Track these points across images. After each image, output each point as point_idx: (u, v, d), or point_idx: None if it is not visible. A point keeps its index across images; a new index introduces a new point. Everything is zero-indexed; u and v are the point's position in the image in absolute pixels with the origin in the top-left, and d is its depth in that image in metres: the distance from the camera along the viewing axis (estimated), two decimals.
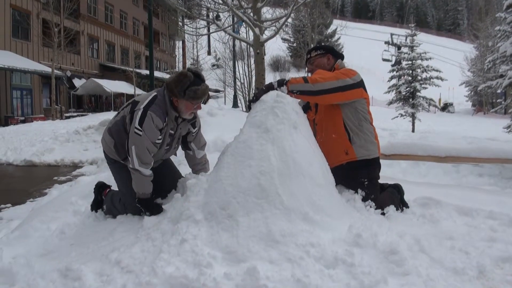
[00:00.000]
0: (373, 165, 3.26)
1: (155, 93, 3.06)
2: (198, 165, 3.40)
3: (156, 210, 2.97)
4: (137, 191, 3.03)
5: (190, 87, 2.91)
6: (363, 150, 3.19)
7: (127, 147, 2.98)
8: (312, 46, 20.17)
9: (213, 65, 41.66)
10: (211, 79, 34.43)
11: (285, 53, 53.32)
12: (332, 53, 3.42)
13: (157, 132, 2.94)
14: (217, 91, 39.77)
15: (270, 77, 47.83)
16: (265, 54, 13.99)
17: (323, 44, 4.07)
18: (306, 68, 3.56)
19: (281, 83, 3.03)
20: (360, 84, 3.18)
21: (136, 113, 2.94)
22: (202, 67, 39.47)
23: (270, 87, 3.04)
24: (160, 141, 3.01)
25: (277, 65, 54.96)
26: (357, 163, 3.19)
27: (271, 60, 52.95)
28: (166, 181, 3.30)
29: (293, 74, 43.34)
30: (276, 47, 36.35)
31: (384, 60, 55.73)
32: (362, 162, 3.19)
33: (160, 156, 3.22)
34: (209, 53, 50.58)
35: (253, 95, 3.12)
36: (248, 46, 19.67)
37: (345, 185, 3.19)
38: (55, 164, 9.86)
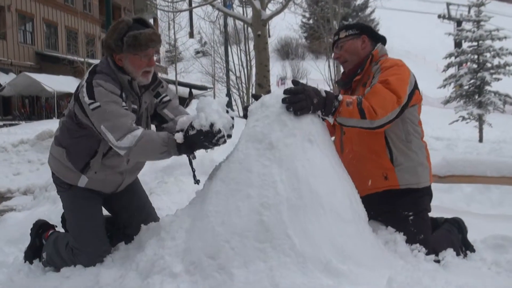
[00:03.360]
0: (421, 192, 3.28)
1: (94, 64, 3.19)
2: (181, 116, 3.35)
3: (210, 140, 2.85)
4: (164, 151, 2.92)
5: (128, 32, 3.00)
6: (409, 176, 3.22)
7: (97, 130, 2.98)
8: (335, 23, 20.29)
9: (197, 52, 41.91)
10: (195, 72, 34.65)
11: (298, 33, 53.62)
12: (368, 34, 3.46)
13: (116, 96, 2.99)
14: (203, 88, 39.91)
15: (277, 67, 47.84)
16: (269, 36, 14.09)
17: (355, 22, 4.09)
18: (333, 54, 3.59)
19: (329, 110, 2.92)
20: (415, 86, 3.24)
21: (80, 93, 3.02)
22: (182, 54, 39.64)
23: (319, 104, 2.87)
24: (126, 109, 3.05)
25: (286, 51, 55.15)
26: (399, 192, 3.23)
27: (278, 44, 53.19)
28: (134, 214, 3.36)
29: (309, 62, 43.34)
30: (285, 26, 36.59)
31: None
32: (406, 191, 3.23)
33: None
34: (191, 35, 50.95)
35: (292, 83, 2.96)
36: (245, 25, 19.80)
37: (382, 220, 3.23)
38: None
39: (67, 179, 3.30)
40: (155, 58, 3.30)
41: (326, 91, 2.92)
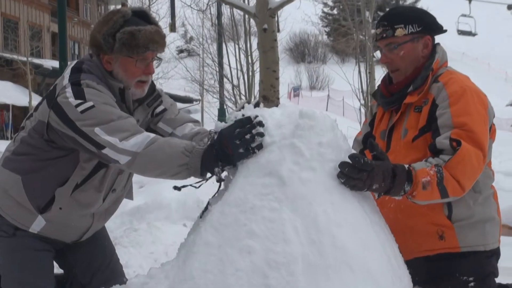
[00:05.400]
0: (487, 253, 3.26)
1: (77, 61, 3.21)
2: (198, 135, 3.32)
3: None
4: (183, 163, 2.83)
5: (124, 27, 2.99)
6: (474, 236, 3.20)
7: (84, 140, 2.91)
8: (368, 15, 20.33)
9: (181, 51, 42.26)
10: (177, 77, 34.89)
11: (318, 28, 53.86)
12: (432, 33, 3.37)
13: (113, 101, 3.00)
14: (187, 100, 40.13)
15: (289, 73, 47.93)
16: (279, 32, 14.20)
17: (413, 8, 3.94)
18: (380, 56, 3.47)
19: (394, 194, 2.87)
20: (491, 118, 3.21)
21: (61, 95, 2.98)
22: (162, 54, 39.89)
23: (379, 189, 2.81)
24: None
25: (302, 51, 55.69)
26: (459, 255, 3.20)
27: (290, 41, 53.70)
28: (95, 272, 3.44)
29: (332, 66, 43.57)
30: (300, 18, 36.74)
31: (462, 33, 55.94)
32: (468, 254, 3.19)
33: (114, 176, 3.28)
34: (173, 29, 51.42)
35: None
36: (246, 16, 19.91)
37: (432, 286, 3.20)
38: None
39: (15, 219, 3.25)
40: (154, 64, 3.27)
41: (397, 171, 2.82)
